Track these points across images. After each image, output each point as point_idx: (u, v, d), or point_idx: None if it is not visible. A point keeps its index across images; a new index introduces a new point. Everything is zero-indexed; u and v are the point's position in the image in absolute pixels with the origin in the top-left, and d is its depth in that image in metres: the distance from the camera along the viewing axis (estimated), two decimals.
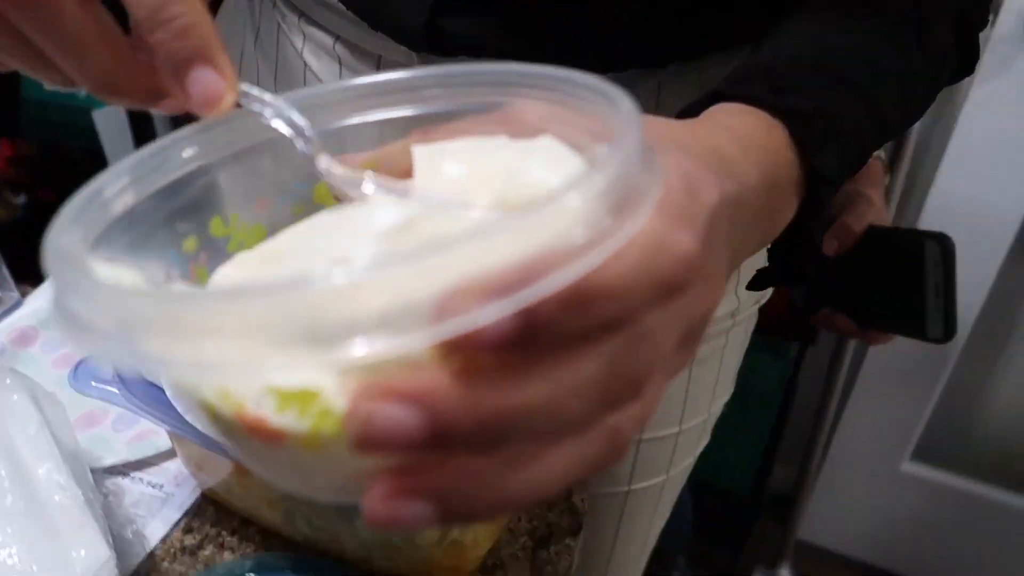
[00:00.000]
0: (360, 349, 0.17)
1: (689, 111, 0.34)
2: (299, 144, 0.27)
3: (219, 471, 0.53)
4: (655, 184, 0.21)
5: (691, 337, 0.24)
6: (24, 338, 0.67)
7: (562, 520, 0.56)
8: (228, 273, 0.25)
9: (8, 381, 0.50)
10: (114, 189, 0.24)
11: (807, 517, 1.49)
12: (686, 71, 0.49)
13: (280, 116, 0.27)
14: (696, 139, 0.29)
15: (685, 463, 0.70)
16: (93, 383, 0.48)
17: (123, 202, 0.25)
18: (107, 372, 0.48)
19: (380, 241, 0.22)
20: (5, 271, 0.72)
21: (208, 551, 0.53)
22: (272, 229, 0.26)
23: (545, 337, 0.19)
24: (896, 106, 0.38)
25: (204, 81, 0.26)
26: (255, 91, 0.27)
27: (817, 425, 1.36)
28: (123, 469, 0.58)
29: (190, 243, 0.27)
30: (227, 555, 0.53)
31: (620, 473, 0.67)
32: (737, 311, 0.61)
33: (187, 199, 0.27)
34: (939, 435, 1.41)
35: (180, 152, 0.27)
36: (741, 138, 0.31)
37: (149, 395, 0.47)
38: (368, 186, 0.27)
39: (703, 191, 0.24)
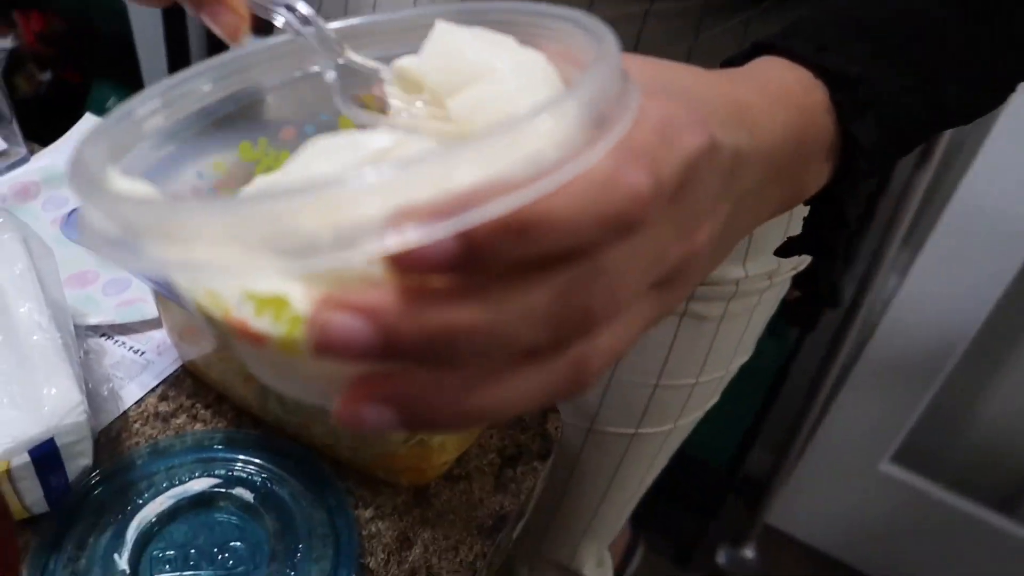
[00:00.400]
0: (315, 260, 0.19)
1: (733, 61, 0.34)
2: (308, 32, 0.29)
3: (200, 343, 0.53)
4: (622, 120, 0.21)
5: (669, 283, 0.24)
6: (26, 192, 0.67)
7: (533, 443, 0.57)
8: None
9: (1, 221, 0.50)
10: (146, 110, 0.26)
11: (779, 502, 1.50)
12: (776, 14, 0.48)
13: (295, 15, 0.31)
14: (710, 87, 0.28)
15: (693, 416, 0.71)
16: None
17: (154, 123, 0.26)
18: None
19: (360, 164, 0.23)
20: (16, 127, 0.72)
21: (181, 420, 0.54)
22: (292, 151, 0.28)
23: (489, 262, 0.19)
24: (959, 90, 0.36)
25: (224, 17, 0.33)
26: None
27: (803, 412, 1.36)
28: (107, 331, 0.58)
29: (219, 166, 0.29)
30: (199, 426, 0.53)
31: (630, 415, 0.68)
32: (775, 272, 0.61)
33: (218, 124, 0.28)
34: (922, 440, 1.41)
35: (212, 78, 0.28)
36: (773, 93, 0.30)
37: None
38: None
39: (682, 135, 0.24)
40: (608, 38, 0.23)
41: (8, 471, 0.43)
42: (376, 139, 0.24)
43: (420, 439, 0.48)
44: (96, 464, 0.48)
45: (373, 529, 0.50)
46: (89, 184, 0.22)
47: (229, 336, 0.23)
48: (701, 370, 0.65)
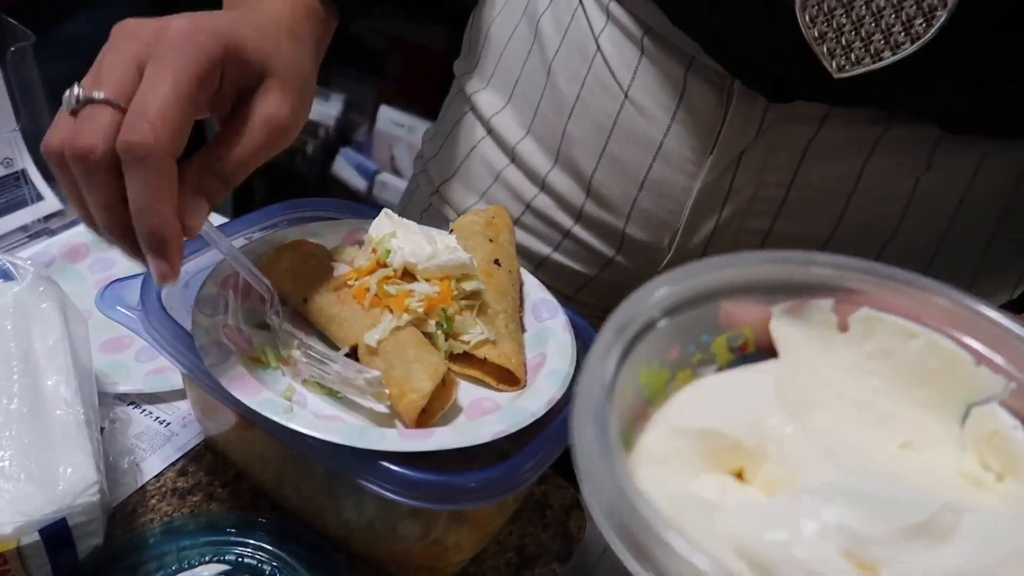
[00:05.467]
0: None
1: None
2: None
3: (222, 421, 0.52)
4: None
5: None
6: (75, 253, 0.69)
7: (554, 543, 0.54)
8: (680, 411, 0.29)
9: (41, 289, 0.51)
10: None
11: None
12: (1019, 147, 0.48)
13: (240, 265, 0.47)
14: None
15: None
16: (118, 307, 0.48)
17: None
18: (134, 299, 0.48)
19: (908, 538, 0.23)
20: None
21: (197, 497, 0.53)
22: (672, 372, 0.31)
23: None
24: None
25: (159, 266, 0.39)
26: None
27: None
28: (135, 399, 0.59)
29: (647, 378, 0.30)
30: (215, 505, 0.53)
31: None
32: None
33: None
34: None
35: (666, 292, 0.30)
36: None
37: (169, 332, 0.46)
38: None
39: None
40: None
41: (18, 548, 0.42)
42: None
43: (435, 539, 0.46)
44: (109, 539, 0.48)
45: None
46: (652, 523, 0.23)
47: None
48: None
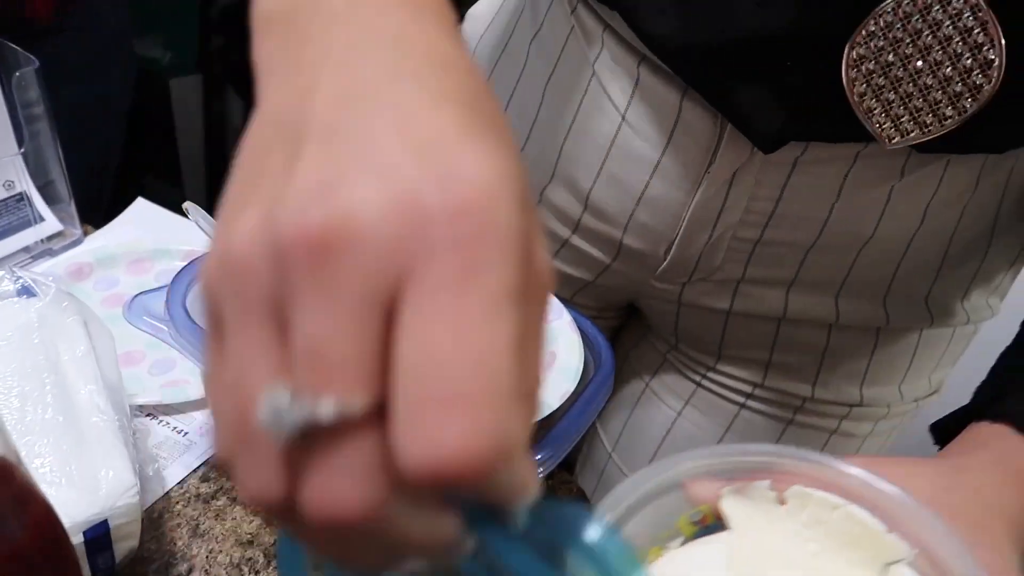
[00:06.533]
0: None
1: (946, 430, 0.37)
2: None
3: None
4: None
5: None
6: (79, 272, 0.70)
7: None
8: None
9: (65, 304, 0.53)
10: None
11: None
12: (975, 159, 0.53)
13: None
14: (981, 505, 0.33)
15: None
16: (145, 317, 0.50)
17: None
18: (160, 309, 0.50)
19: None
20: (73, 209, 0.75)
21: (221, 502, 0.55)
22: (646, 550, 0.36)
23: None
24: None
25: None
26: None
27: None
28: (153, 411, 0.60)
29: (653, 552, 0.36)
30: (239, 509, 0.54)
31: None
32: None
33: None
34: None
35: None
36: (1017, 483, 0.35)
37: (197, 339, 0.48)
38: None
39: None
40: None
41: None
42: None
43: None
44: (139, 543, 0.49)
45: None
46: None
47: None
48: None
